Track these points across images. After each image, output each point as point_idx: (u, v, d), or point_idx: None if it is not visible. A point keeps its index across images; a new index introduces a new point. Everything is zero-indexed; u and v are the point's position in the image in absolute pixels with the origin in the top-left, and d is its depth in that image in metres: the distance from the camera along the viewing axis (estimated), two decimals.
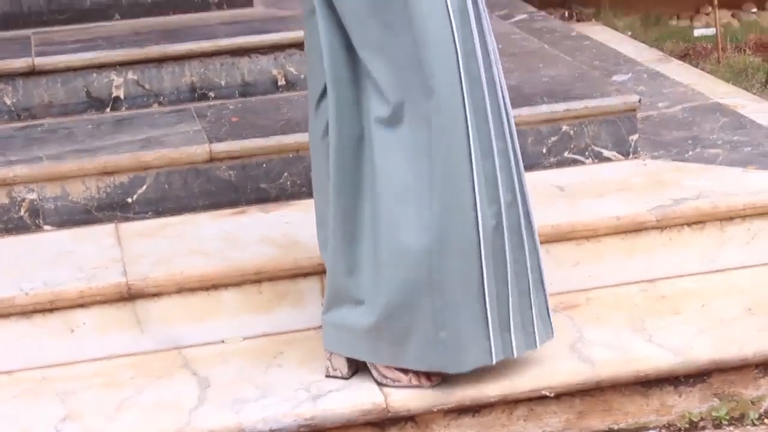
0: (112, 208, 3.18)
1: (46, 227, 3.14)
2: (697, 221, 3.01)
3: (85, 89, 3.60)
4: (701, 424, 2.61)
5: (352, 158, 2.53)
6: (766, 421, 2.63)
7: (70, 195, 3.14)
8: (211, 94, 3.68)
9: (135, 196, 3.19)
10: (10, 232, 3.13)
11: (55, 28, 4.05)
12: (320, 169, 2.60)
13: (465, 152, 2.46)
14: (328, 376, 2.58)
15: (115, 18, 4.13)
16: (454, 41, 2.46)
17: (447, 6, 2.45)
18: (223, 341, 2.79)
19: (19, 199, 3.13)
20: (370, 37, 2.47)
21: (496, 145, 2.43)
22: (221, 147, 3.22)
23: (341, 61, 2.51)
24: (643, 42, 5.22)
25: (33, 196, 3.12)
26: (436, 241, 2.44)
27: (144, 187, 3.20)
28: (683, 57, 4.95)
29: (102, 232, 3.10)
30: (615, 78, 4.15)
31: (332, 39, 2.52)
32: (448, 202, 2.45)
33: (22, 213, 3.14)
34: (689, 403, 2.62)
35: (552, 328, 2.55)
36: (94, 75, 3.60)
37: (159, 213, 3.20)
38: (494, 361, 2.46)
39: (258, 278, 2.83)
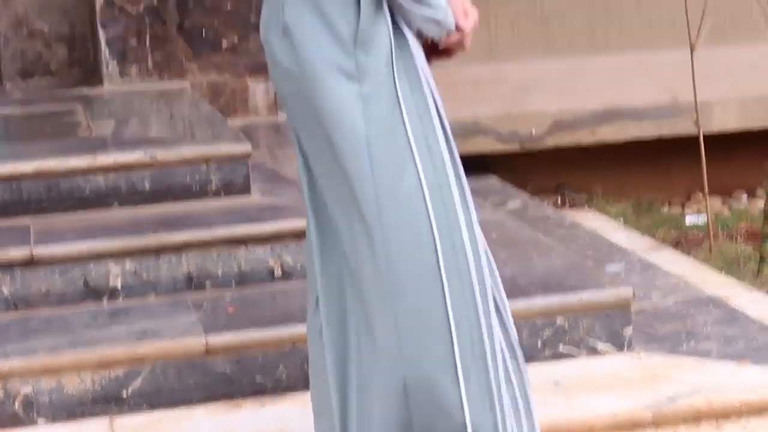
0: (107, 401, 3.24)
1: (39, 420, 3.20)
2: (693, 418, 3.07)
3: (83, 279, 3.70)
4: None
5: (348, 358, 2.58)
6: None
7: (65, 388, 3.21)
8: (208, 283, 3.79)
9: (130, 389, 3.26)
10: (3, 426, 3.17)
11: (55, 216, 4.18)
12: (318, 359, 2.65)
13: (449, 359, 2.46)
14: None
15: (114, 206, 4.26)
16: (436, 251, 2.47)
17: (430, 217, 2.47)
18: None
19: (13, 392, 3.20)
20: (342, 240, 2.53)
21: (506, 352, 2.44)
22: (217, 339, 3.30)
23: (333, 265, 2.57)
24: (636, 229, 5.41)
25: (28, 389, 3.19)
26: None
27: (139, 379, 3.27)
28: (675, 245, 5.13)
29: (97, 426, 3.16)
30: (608, 268, 4.27)
31: (322, 239, 2.58)
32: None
33: (16, 406, 3.20)
34: None
35: None
36: (92, 265, 3.71)
37: (153, 406, 3.27)
38: None
39: None
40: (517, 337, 2.59)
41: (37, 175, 4.32)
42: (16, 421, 3.17)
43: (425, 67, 2.65)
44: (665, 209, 6.16)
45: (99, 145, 4.59)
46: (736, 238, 5.28)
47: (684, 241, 5.22)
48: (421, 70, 2.61)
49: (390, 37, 2.58)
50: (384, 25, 2.58)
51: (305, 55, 2.57)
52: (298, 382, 3.31)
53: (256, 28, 4.39)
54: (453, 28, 2.76)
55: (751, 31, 6.27)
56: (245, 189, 4.47)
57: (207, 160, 4.44)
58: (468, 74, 6.30)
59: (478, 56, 6.30)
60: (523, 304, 3.45)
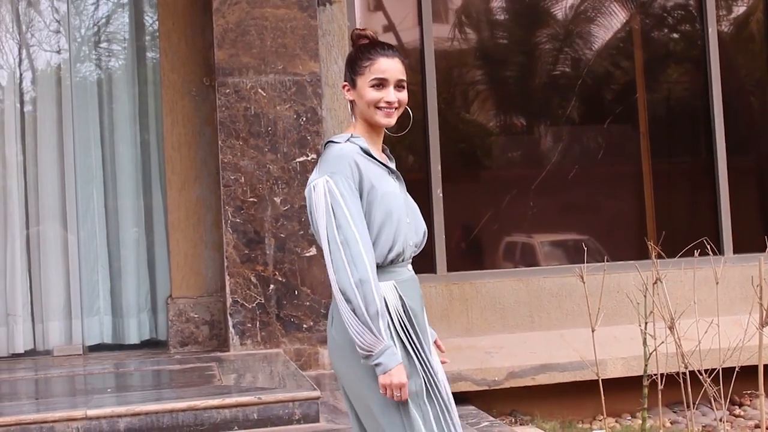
0: None
1: None
2: None
3: None
4: None
5: None
6: None
7: None
8: None
9: None
10: None
11: None
12: None
13: None
14: None
15: (234, 429, 4.85)
16: None
17: None
18: None
19: None
20: None
21: None
22: None
23: None
24: None
25: None
26: None
27: None
28: None
29: None
30: None
31: None
32: None
33: None
34: None
35: None
36: None
37: None
38: None
39: None
40: None
41: (188, 409, 4.85)
42: None
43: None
44: (580, 425, 6.76)
45: (226, 390, 5.11)
46: None
47: None
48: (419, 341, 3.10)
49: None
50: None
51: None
52: None
53: (325, 317, 5.20)
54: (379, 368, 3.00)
55: (628, 317, 6.44)
56: (316, 419, 5.03)
57: (293, 401, 4.97)
58: (452, 344, 6.78)
59: (460, 333, 7.07)
60: None
